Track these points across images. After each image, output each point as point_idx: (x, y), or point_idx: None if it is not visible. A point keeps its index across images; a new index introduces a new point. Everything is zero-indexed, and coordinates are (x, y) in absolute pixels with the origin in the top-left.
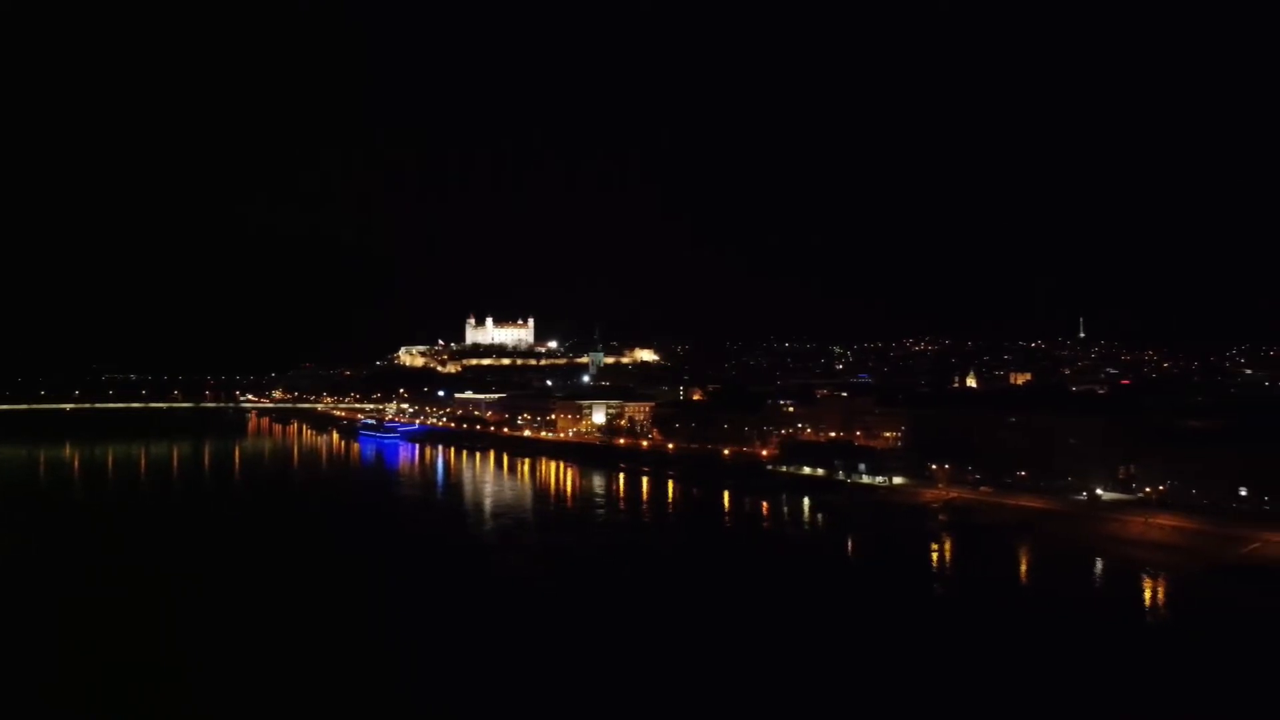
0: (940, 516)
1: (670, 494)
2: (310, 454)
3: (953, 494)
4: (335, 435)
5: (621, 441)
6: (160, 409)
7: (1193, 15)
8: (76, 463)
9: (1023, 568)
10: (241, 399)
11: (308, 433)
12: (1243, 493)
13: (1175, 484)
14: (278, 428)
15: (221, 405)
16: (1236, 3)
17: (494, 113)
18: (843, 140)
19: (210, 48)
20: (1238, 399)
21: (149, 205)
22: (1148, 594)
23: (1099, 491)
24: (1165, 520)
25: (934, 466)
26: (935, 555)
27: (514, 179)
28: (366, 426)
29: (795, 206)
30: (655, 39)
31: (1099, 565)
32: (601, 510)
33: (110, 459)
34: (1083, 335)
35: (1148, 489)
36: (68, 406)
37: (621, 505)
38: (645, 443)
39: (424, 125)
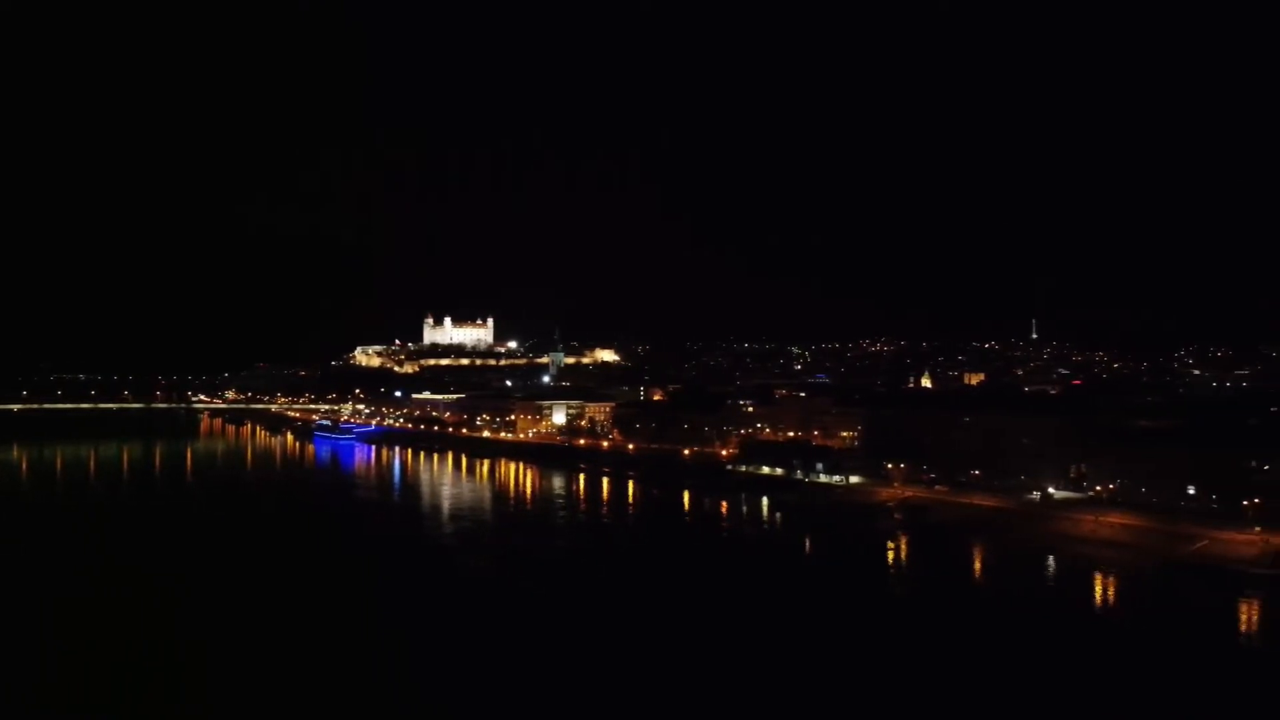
0: (896, 515)
1: (631, 494)
2: (264, 456)
3: (908, 493)
4: (289, 437)
5: (582, 442)
6: (110, 409)
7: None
8: (25, 465)
9: (977, 566)
10: (193, 399)
11: (261, 434)
12: (1191, 491)
13: (1125, 483)
14: (230, 429)
15: (173, 406)
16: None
17: (494, 113)
18: (841, 141)
19: (210, 48)
20: (1186, 399)
21: (122, 203)
22: (1099, 591)
23: (1051, 490)
24: (1115, 518)
25: (890, 466)
26: (891, 554)
27: (514, 179)
28: (321, 428)
29: (792, 206)
30: (655, 39)
31: (1051, 563)
32: (563, 512)
33: (59, 461)
34: (1035, 336)
35: (1098, 488)
36: (15, 407)
37: (582, 506)
38: (606, 443)
39: (424, 125)
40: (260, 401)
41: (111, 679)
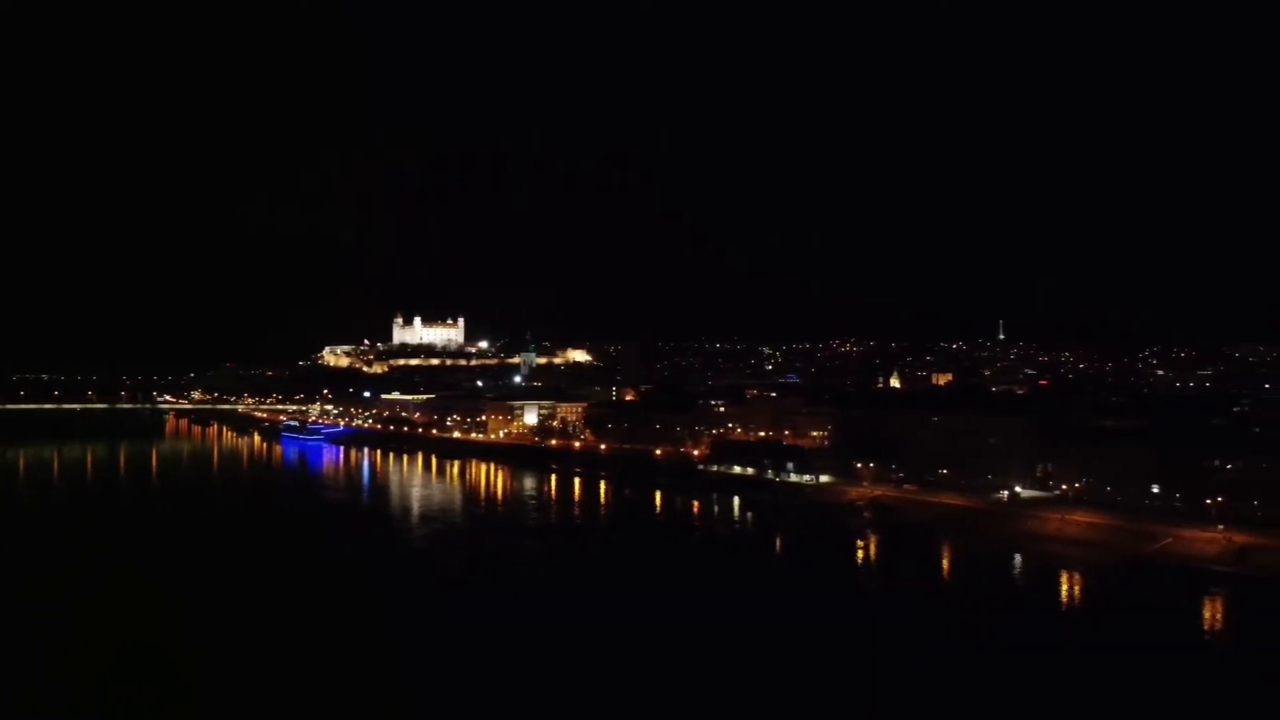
0: (866, 514)
1: (603, 495)
2: (231, 457)
3: (878, 492)
4: (257, 437)
5: (554, 442)
6: (74, 410)
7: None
8: None
9: (945, 564)
10: (159, 400)
11: (228, 435)
12: (1155, 490)
13: (1091, 482)
14: (196, 430)
15: (138, 406)
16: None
17: (494, 113)
18: (841, 140)
19: (210, 48)
20: (1150, 399)
21: (98, 202)
22: (1064, 589)
23: (1018, 489)
24: (1081, 517)
25: (859, 465)
26: (860, 553)
27: (514, 178)
28: (289, 428)
29: (793, 206)
30: (655, 39)
31: (1018, 561)
32: (535, 513)
33: (21, 462)
34: (1002, 337)
35: (1064, 487)
36: None
37: (554, 507)
38: (578, 443)
39: (424, 125)
40: (227, 402)
41: (98, 679)
